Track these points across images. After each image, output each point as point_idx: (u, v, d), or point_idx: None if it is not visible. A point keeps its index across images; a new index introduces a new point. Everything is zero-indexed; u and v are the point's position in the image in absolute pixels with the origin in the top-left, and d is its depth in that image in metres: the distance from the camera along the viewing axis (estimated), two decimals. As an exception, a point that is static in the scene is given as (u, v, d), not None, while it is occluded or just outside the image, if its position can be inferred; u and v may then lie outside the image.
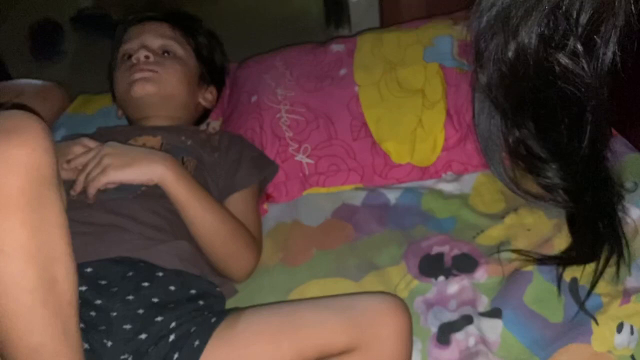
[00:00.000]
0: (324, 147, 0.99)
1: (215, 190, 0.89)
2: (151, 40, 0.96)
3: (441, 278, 0.79)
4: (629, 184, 0.68)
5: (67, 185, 0.80)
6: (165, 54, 0.97)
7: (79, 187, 0.76)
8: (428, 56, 1.06)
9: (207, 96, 1.05)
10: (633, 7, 0.48)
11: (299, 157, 0.98)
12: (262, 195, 0.97)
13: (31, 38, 2.08)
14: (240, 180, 0.90)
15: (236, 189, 0.89)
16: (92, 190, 0.75)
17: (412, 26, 1.17)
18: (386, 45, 1.13)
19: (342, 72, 1.10)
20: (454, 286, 0.77)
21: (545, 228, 0.84)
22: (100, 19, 2.27)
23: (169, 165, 0.77)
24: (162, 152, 0.83)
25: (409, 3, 1.44)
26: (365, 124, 1.00)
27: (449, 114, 0.98)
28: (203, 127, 1.14)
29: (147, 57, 0.93)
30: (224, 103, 1.20)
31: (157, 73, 0.93)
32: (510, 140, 0.65)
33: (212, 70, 1.06)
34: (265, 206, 0.98)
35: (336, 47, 1.18)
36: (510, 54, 0.55)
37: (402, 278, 0.80)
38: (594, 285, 0.66)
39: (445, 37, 1.09)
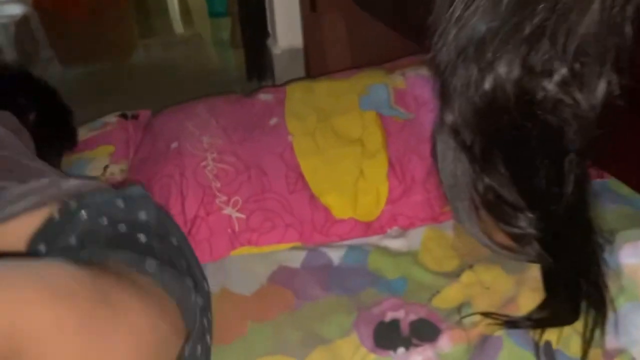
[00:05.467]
0: (256, 200, 0.87)
1: None
2: None
3: (401, 350, 0.68)
4: (606, 234, 0.63)
5: None
6: None
7: None
8: (364, 104, 1.00)
9: None
10: (629, 28, 0.42)
11: (228, 210, 0.86)
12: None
13: None
14: None
15: None
16: None
17: (343, 76, 1.12)
18: (318, 94, 1.06)
19: (273, 121, 1.01)
20: (417, 358, 0.66)
21: (505, 285, 0.76)
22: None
23: None
24: None
25: (335, 54, 1.40)
26: (301, 176, 0.90)
27: (391, 165, 0.91)
28: (100, 170, 0.99)
29: None
30: (129, 148, 1.07)
31: None
32: (479, 187, 0.57)
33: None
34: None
35: (264, 97, 1.10)
36: (486, 86, 0.47)
37: (355, 352, 0.69)
38: (585, 355, 0.58)
39: (380, 85, 1.04)
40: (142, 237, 0.51)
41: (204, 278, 0.56)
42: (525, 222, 0.57)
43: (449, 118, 0.53)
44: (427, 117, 0.97)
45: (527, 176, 0.54)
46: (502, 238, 0.61)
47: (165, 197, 0.88)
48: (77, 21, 3.07)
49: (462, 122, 0.52)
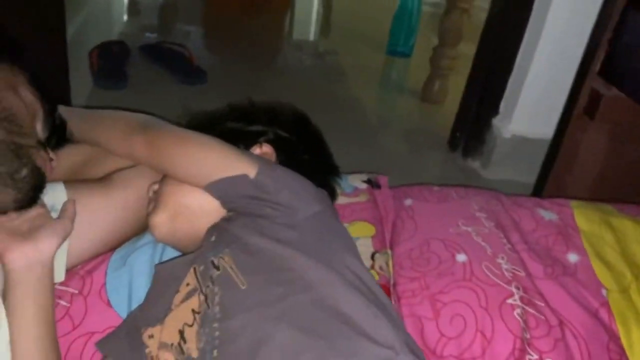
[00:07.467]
0: (574, 373, 0.71)
1: None
2: None
3: None
4: None
5: None
6: None
7: None
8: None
9: None
10: None
11: (539, 376, 0.70)
12: None
13: (98, 57, 1.77)
14: None
15: None
16: None
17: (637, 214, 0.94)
18: (623, 236, 0.89)
19: (573, 258, 0.84)
20: None
21: None
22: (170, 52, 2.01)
23: None
24: None
25: (586, 166, 1.23)
26: (623, 351, 0.74)
27: None
28: (368, 258, 0.84)
29: None
30: (384, 229, 0.91)
31: None
32: None
33: None
34: None
35: (547, 215, 0.93)
36: None
37: None
38: None
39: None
40: None
41: None
42: None
43: None
44: None
45: None
46: None
47: (457, 328, 0.73)
48: (238, 10, 3.05)
49: None
